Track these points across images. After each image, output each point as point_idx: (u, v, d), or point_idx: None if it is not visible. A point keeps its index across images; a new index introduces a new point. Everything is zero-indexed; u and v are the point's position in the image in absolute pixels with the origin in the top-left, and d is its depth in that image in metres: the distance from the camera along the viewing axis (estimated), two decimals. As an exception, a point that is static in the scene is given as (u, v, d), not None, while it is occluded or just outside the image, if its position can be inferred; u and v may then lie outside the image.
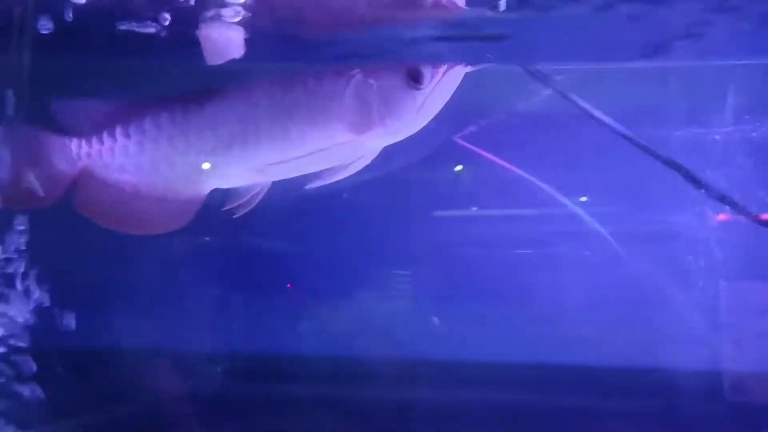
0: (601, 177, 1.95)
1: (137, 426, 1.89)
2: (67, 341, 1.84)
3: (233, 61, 1.30)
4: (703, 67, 1.78)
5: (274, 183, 1.27)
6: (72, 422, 1.86)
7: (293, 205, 1.74)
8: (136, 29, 1.27)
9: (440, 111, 1.26)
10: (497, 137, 1.87)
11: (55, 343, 1.84)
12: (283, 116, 1.20)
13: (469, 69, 1.22)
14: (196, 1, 1.21)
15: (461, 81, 1.23)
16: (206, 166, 1.23)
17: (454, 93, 1.24)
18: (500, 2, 1.14)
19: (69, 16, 1.22)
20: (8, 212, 1.39)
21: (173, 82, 1.43)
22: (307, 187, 1.26)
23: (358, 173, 1.28)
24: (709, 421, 1.82)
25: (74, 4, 1.21)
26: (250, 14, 1.24)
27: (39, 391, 1.55)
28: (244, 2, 1.23)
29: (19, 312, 1.53)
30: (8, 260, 1.47)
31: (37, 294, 1.54)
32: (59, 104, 1.29)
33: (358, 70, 1.22)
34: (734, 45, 1.55)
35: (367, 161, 1.25)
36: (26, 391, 1.55)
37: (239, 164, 1.22)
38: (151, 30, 1.26)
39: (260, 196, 1.25)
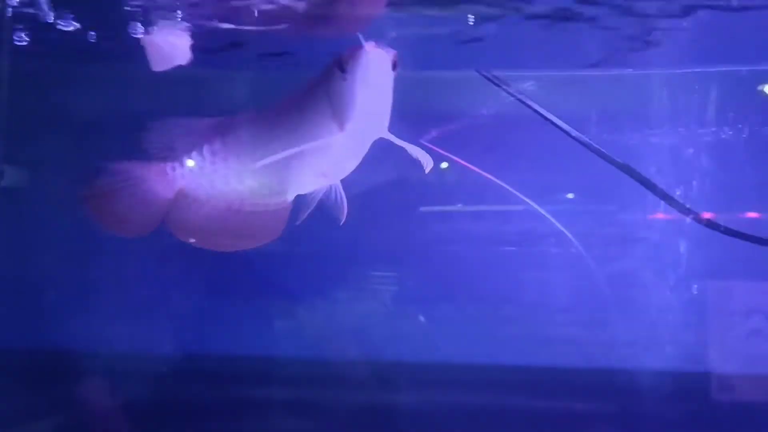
0: (571, 178, 1.97)
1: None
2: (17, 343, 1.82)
3: (179, 67, 1.31)
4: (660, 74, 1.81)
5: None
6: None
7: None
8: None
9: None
10: (463, 139, 1.88)
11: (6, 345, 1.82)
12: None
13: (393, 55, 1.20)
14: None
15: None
16: (286, 173, 1.25)
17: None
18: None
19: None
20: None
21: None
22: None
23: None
24: (680, 421, 1.85)
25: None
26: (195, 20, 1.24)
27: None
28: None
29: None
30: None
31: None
32: (150, 126, 1.28)
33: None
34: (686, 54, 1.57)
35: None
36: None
37: (310, 169, 1.24)
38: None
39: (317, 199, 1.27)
